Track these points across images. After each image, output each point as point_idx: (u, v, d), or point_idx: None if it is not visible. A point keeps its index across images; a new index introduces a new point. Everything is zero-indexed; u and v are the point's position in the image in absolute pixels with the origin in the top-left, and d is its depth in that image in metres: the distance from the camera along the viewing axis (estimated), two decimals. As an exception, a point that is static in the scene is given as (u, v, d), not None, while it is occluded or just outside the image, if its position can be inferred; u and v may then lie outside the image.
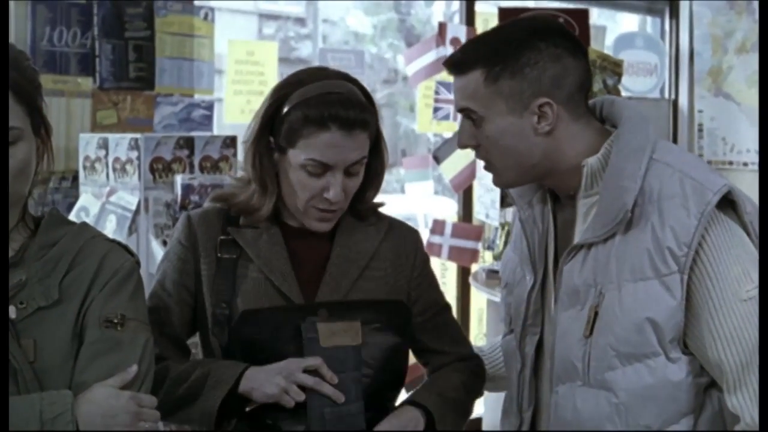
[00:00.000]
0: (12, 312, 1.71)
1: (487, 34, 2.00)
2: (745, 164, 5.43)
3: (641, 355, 1.81)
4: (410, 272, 2.19)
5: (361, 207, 2.16)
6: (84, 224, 1.91)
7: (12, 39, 3.39)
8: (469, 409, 2.20)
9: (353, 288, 2.08)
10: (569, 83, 1.88)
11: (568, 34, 1.94)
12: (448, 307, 2.27)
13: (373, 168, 2.13)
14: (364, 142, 2.04)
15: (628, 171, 1.83)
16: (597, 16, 5.97)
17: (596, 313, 1.84)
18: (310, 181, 2.01)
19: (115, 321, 1.77)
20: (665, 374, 1.81)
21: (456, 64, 1.93)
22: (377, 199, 2.21)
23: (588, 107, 1.96)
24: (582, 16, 4.69)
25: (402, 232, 2.21)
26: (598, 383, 1.85)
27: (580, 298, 1.87)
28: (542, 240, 2.01)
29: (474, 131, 1.92)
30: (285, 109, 2.02)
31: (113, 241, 1.89)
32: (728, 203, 1.82)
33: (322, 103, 1.99)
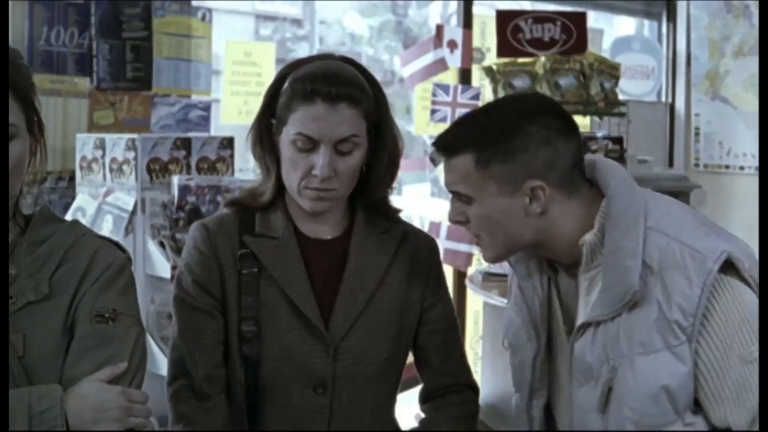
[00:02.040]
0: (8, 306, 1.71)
1: (476, 116, 1.97)
2: (741, 168, 5.44)
3: (661, 424, 1.82)
4: (425, 281, 2.16)
5: (372, 198, 2.12)
6: (75, 222, 1.91)
7: (9, 38, 3.38)
8: None
9: (369, 302, 2.06)
10: (561, 165, 1.87)
11: (560, 112, 1.92)
12: (457, 323, 2.24)
13: (379, 156, 2.10)
14: (352, 119, 1.99)
15: (628, 249, 1.82)
16: (594, 19, 5.96)
17: (610, 389, 1.84)
18: (300, 158, 1.99)
19: (107, 315, 1.76)
20: None
21: (446, 146, 1.92)
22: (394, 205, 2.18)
23: (584, 179, 1.94)
24: (579, 19, 4.68)
25: (417, 241, 2.18)
26: None
27: (593, 375, 1.87)
28: (544, 307, 2.00)
29: (464, 208, 1.91)
30: (283, 88, 2.03)
31: (104, 238, 1.89)
32: (728, 264, 1.81)
33: (308, 78, 1.98)
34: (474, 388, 2.25)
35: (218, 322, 2.05)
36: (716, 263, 1.78)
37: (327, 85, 1.97)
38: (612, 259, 1.83)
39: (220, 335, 2.06)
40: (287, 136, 2.00)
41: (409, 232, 2.18)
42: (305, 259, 2.06)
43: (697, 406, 1.83)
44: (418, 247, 2.17)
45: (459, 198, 1.91)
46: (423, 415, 2.21)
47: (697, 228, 1.88)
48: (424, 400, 2.22)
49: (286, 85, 2.03)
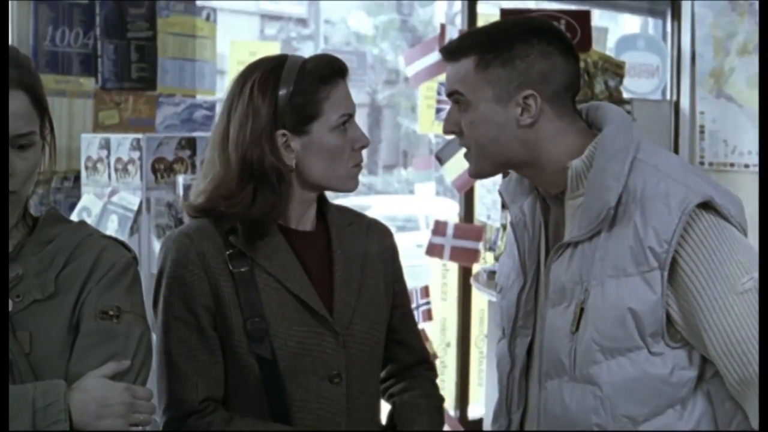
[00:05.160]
0: (8, 305, 1.72)
1: (484, 27, 2.08)
2: (747, 166, 5.43)
3: (624, 349, 1.83)
4: (392, 266, 2.22)
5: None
6: (82, 222, 1.92)
7: (14, 39, 3.39)
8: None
9: (361, 288, 2.10)
10: (556, 81, 1.92)
11: (563, 36, 1.99)
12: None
13: None
14: None
15: (612, 170, 1.86)
16: (599, 17, 5.96)
17: (582, 310, 1.87)
18: (343, 139, 2.04)
19: (111, 313, 1.77)
20: (647, 367, 1.84)
21: (451, 51, 1.99)
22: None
23: (575, 110, 1.99)
24: (584, 17, 4.69)
25: (379, 229, 2.24)
26: (584, 378, 1.87)
27: (566, 296, 1.90)
28: (533, 242, 2.03)
29: (458, 117, 1.96)
30: (286, 92, 2.01)
31: (110, 237, 1.90)
32: (712, 209, 1.83)
33: (324, 63, 2.06)
34: (431, 361, 2.35)
35: (214, 339, 2.02)
36: (697, 197, 1.81)
37: (339, 63, 2.06)
38: (595, 180, 1.87)
39: (217, 354, 2.02)
40: (326, 126, 2.02)
41: (370, 221, 2.25)
42: (294, 252, 2.07)
43: (675, 341, 1.84)
44: (381, 234, 2.23)
45: (456, 102, 1.97)
46: (402, 394, 2.24)
47: (689, 171, 1.92)
48: (398, 376, 2.26)
49: (291, 85, 2.01)
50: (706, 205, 1.82)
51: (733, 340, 1.77)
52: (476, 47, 1.93)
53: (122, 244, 1.88)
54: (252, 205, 2.00)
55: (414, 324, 2.30)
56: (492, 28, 2.04)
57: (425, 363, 2.29)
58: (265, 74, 2.05)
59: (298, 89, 2.01)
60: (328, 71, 2.03)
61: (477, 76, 1.92)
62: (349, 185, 2.08)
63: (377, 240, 2.20)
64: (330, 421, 2.04)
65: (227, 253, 2.02)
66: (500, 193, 2.12)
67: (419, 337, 2.30)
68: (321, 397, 2.03)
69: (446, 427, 4.70)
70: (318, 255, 2.10)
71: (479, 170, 2.00)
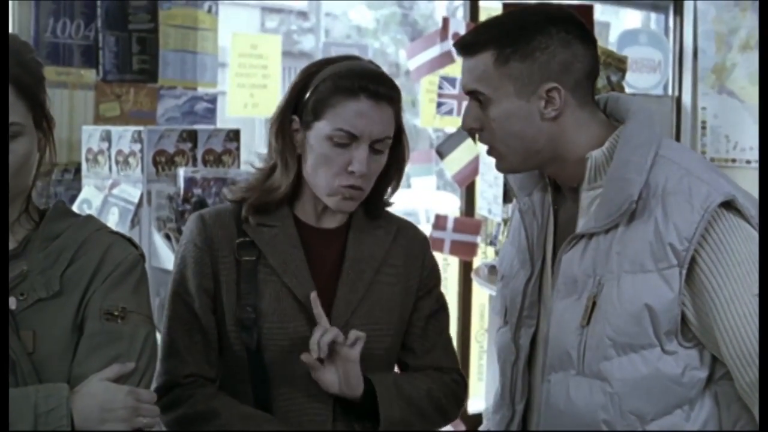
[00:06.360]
0: (12, 303, 1.70)
1: (499, 18, 2.00)
2: (748, 162, 5.43)
3: (637, 345, 1.82)
4: (420, 273, 2.18)
5: (378, 202, 2.15)
6: (89, 217, 1.89)
7: (15, 31, 3.39)
8: (432, 421, 2.16)
9: (369, 291, 2.08)
10: (578, 69, 1.89)
11: (579, 22, 1.94)
12: (445, 307, 2.25)
13: (394, 161, 2.12)
14: (390, 120, 2.03)
15: (634, 163, 1.83)
16: (601, 12, 5.95)
17: (594, 303, 1.84)
18: (335, 153, 1.99)
19: (116, 313, 1.75)
20: (659, 366, 1.82)
21: (467, 45, 1.93)
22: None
23: (594, 99, 1.96)
24: (586, 12, 4.67)
25: (410, 234, 2.21)
26: (593, 373, 1.85)
27: (577, 288, 1.88)
28: (541, 232, 2.01)
29: (480, 114, 1.91)
30: (314, 85, 2.02)
31: (117, 233, 1.87)
32: (734, 208, 1.82)
33: (354, 75, 2.00)
34: (458, 372, 2.23)
35: (210, 321, 2.05)
36: (720, 196, 1.79)
37: (374, 82, 2.00)
38: (616, 172, 1.84)
39: (212, 336, 2.06)
40: (321, 132, 2.00)
41: (402, 226, 2.21)
42: (305, 247, 2.07)
43: (688, 340, 1.83)
44: (410, 240, 2.20)
45: (476, 99, 1.91)
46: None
47: (710, 169, 1.90)
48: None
49: (319, 81, 2.02)
50: (728, 205, 1.80)
51: (746, 340, 1.76)
52: (493, 41, 1.88)
53: (129, 240, 1.86)
54: (265, 181, 2.07)
55: (429, 331, 2.19)
56: (507, 19, 1.97)
57: (438, 370, 2.19)
58: (316, 65, 2.07)
59: (319, 87, 2.01)
60: (346, 83, 1.99)
61: (496, 72, 1.87)
62: (329, 201, 2.04)
63: (405, 245, 2.18)
64: (314, 416, 2.04)
65: (237, 241, 2.05)
66: (507, 180, 2.08)
67: (432, 345, 2.19)
68: (306, 392, 2.04)
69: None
70: (331, 253, 2.10)
71: (509, 166, 1.96)
